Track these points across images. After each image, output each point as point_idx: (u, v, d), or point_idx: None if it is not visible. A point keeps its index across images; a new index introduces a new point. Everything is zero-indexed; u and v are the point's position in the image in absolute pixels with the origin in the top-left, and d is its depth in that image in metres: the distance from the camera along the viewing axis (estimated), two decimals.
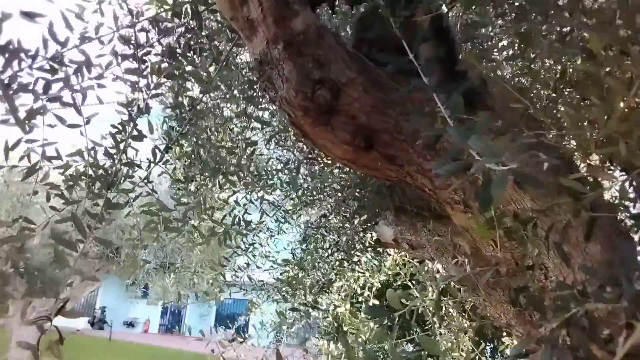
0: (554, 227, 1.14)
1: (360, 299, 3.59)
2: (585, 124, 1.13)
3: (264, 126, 2.16)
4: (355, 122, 1.53)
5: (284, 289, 3.26)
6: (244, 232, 2.93)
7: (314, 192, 2.81)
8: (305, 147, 2.62)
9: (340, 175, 2.65)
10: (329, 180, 2.69)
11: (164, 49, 1.80)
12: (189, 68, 1.92)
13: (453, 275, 1.73)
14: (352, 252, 3.20)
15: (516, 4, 1.63)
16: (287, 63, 1.49)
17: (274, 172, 2.53)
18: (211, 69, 1.89)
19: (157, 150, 2.05)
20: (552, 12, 1.50)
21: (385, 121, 1.54)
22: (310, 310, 2.88)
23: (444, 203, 1.60)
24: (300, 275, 3.15)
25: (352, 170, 2.51)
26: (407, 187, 1.69)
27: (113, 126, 1.81)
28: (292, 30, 1.49)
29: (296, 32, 1.49)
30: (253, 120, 2.10)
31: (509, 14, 1.67)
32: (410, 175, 1.60)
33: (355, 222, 3.05)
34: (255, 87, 1.91)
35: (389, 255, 3.38)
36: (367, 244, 3.19)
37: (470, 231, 1.58)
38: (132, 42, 1.77)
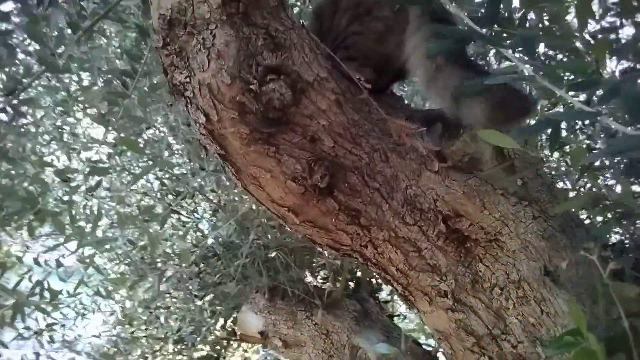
0: None
1: None
2: None
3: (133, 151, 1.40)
4: (314, 147, 0.96)
5: None
6: (47, 307, 1.99)
7: (163, 258, 2.04)
8: (171, 193, 1.87)
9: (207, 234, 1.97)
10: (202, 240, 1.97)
11: None
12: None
13: None
14: (195, 345, 2.41)
15: None
16: (222, 29, 0.88)
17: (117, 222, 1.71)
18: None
19: None
20: None
21: (358, 156, 1.00)
22: None
23: (418, 293, 1.07)
24: None
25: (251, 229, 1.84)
26: (358, 263, 1.13)
27: None
28: None
29: None
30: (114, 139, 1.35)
31: None
32: (374, 245, 1.05)
33: (207, 303, 2.32)
34: (130, 79, 1.21)
35: (245, 351, 2.65)
36: (217, 336, 2.44)
37: (452, 340, 1.06)
38: None
